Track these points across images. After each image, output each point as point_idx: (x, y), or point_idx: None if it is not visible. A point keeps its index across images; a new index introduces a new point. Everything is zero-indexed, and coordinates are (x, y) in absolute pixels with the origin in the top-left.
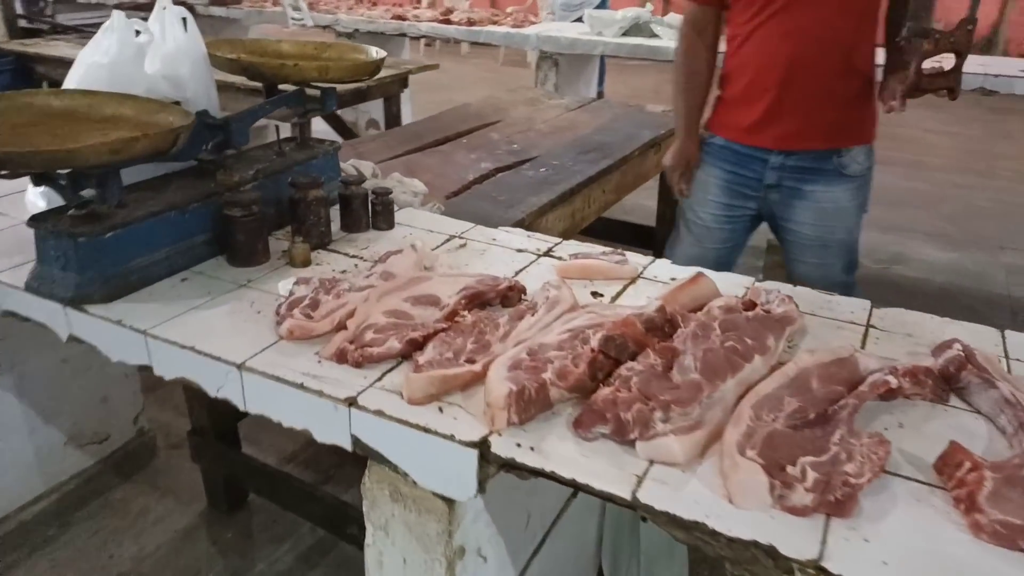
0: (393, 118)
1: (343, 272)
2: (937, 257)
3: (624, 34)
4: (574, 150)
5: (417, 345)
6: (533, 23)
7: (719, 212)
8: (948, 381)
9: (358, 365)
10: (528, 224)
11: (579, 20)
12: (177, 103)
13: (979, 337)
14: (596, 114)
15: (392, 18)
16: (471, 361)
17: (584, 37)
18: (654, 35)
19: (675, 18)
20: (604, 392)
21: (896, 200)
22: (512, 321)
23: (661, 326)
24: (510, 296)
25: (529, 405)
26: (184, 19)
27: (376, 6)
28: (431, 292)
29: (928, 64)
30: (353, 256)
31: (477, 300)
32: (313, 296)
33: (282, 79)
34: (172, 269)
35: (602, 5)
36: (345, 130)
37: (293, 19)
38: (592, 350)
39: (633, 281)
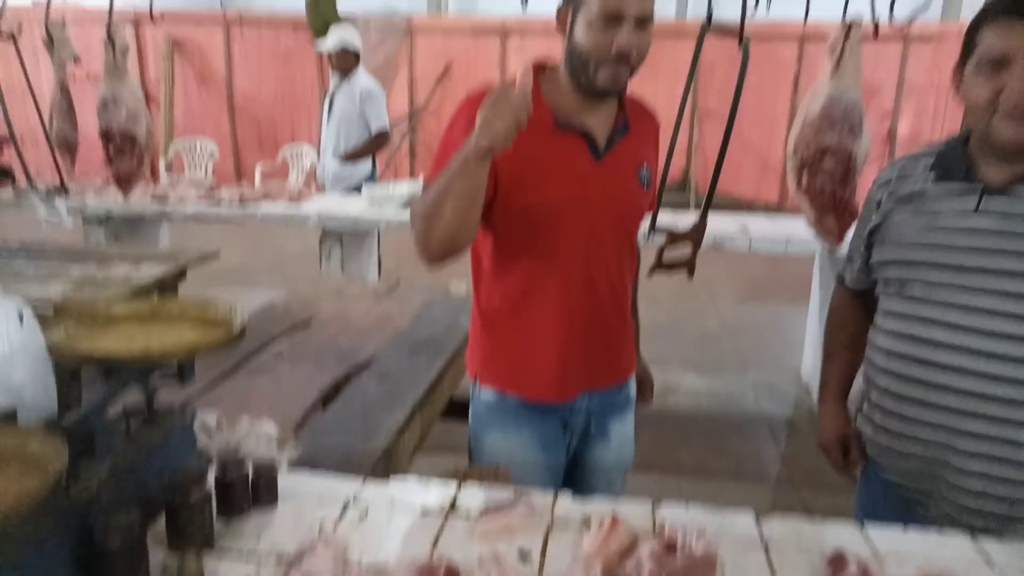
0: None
1: None
2: (696, 384)
3: (404, 207)
4: (404, 349)
5: None
6: (308, 195)
7: (530, 473)
8: None
9: None
10: (392, 453)
11: (356, 191)
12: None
13: (849, 538)
14: (405, 303)
15: (152, 199)
16: None
17: (366, 215)
18: None
19: None
20: None
21: (647, 334)
22: None
23: None
24: None
25: None
26: (21, 313)
27: (128, 192)
28: None
29: None
30: (249, 553)
31: None
32: None
33: (144, 364)
34: None
35: (372, 176)
36: None
37: (47, 220)
38: None
39: (550, 528)
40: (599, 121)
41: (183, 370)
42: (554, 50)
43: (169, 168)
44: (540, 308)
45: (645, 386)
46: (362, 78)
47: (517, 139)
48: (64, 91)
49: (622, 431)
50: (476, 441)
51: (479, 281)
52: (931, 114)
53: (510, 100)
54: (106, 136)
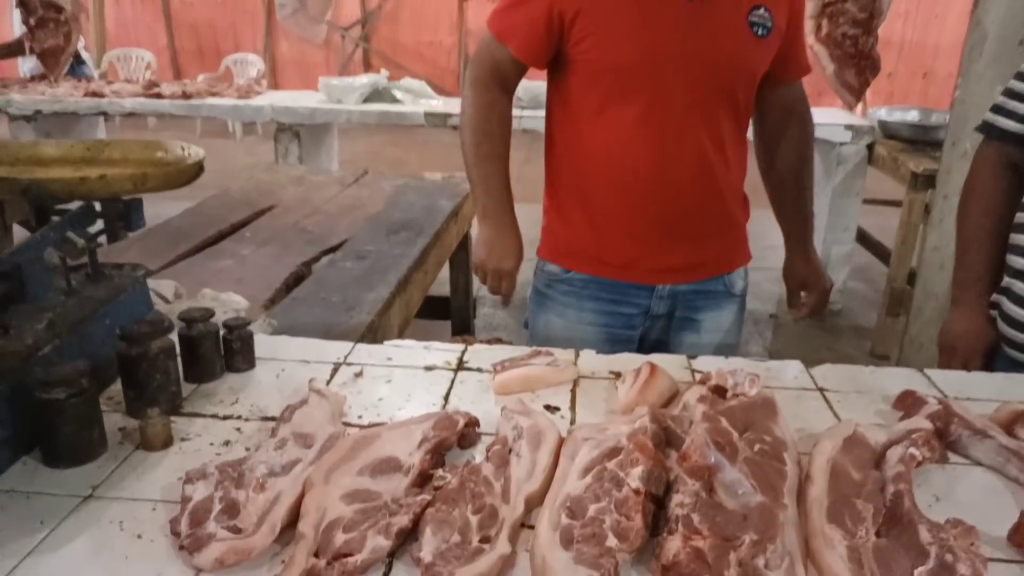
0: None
1: (226, 444)
2: None
3: (365, 101)
4: (381, 231)
5: (407, 533)
6: (258, 92)
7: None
8: (941, 437)
9: None
10: (376, 326)
11: None
12: None
13: (911, 381)
14: (376, 189)
15: (86, 95)
16: (486, 539)
17: (324, 106)
18: (395, 100)
19: (411, 83)
20: (674, 544)
21: None
22: (499, 470)
23: (662, 437)
24: (467, 434)
25: None
26: None
27: (57, 83)
28: (387, 455)
29: None
30: (225, 417)
31: (441, 450)
32: (224, 495)
33: (81, 196)
34: None
35: (78, 69)
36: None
37: None
38: (637, 492)
39: (576, 383)
40: None
41: (130, 213)
42: None
43: (103, 79)
44: (607, 179)
45: (812, 288)
46: None
47: None
48: None
49: (717, 324)
50: (532, 320)
51: (551, 147)
52: None
53: (500, 274)
54: (25, 6)
